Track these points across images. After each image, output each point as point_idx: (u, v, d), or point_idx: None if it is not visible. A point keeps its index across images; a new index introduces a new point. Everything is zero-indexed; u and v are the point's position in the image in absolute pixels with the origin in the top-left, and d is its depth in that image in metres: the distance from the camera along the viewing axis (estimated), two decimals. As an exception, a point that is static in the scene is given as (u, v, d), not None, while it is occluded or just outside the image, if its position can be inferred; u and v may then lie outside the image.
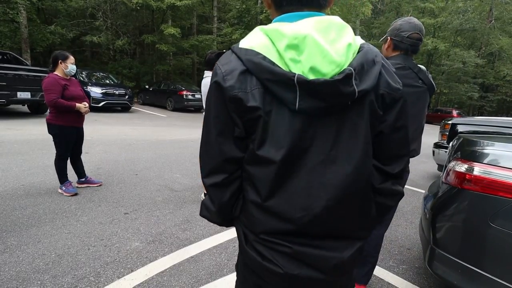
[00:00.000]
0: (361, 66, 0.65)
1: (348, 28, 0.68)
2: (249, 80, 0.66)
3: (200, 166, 0.79)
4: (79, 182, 3.43)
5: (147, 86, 15.07)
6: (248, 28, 16.47)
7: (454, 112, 19.34)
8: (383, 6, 27.25)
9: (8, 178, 3.49)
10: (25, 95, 7.47)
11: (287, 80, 0.62)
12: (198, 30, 20.44)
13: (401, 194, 0.83)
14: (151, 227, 2.66)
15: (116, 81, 12.34)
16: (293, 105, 0.64)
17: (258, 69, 0.64)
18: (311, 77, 0.62)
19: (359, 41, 0.71)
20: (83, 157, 3.48)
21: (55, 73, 3.07)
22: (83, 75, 11.11)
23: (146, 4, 14.34)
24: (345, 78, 0.62)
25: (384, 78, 0.71)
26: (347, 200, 0.71)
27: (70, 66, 3.08)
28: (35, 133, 6.05)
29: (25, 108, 8.99)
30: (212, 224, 2.75)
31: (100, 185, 3.51)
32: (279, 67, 0.63)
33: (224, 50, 0.80)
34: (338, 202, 0.70)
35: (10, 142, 5.12)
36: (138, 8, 14.72)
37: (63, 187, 3.18)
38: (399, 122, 0.75)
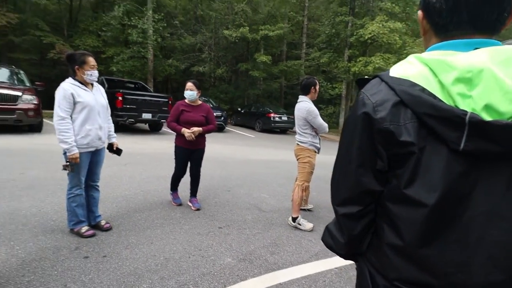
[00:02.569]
0: None
1: None
2: (402, 112, 0.61)
3: (331, 192, 0.78)
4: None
5: (239, 109, 16.42)
6: (337, 51, 16.29)
7: None
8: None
9: (132, 184, 4.23)
10: (147, 115, 9.15)
11: (453, 117, 0.55)
12: (287, 56, 21.37)
13: None
14: (242, 244, 2.75)
15: (214, 104, 13.91)
16: (456, 145, 0.56)
17: (416, 102, 0.59)
18: (484, 115, 0.55)
19: None
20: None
21: (185, 100, 3.42)
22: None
23: (244, 37, 15.94)
24: None
25: None
26: None
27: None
28: (153, 148, 7.27)
29: (145, 126, 10.95)
30: (300, 252, 2.70)
31: (197, 210, 3.47)
32: (442, 101, 0.57)
33: (367, 77, 0.77)
34: (501, 265, 0.58)
35: (135, 154, 6.26)
36: (237, 41, 16.49)
37: (171, 195, 3.66)
38: None
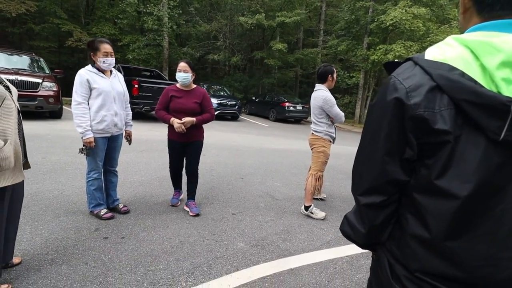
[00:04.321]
0: None
1: None
2: (438, 98, 0.57)
3: (353, 181, 0.75)
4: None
5: (253, 98, 16.34)
6: (356, 38, 15.76)
7: None
8: None
9: (148, 170, 4.35)
10: (163, 104, 9.25)
11: (497, 105, 0.52)
12: (304, 43, 20.92)
13: None
14: (254, 231, 2.79)
15: (228, 93, 13.91)
16: (496, 135, 0.53)
17: (455, 87, 0.55)
18: None
19: None
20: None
21: (177, 84, 2.90)
22: (204, 88, 13.04)
23: (259, 24, 15.68)
24: None
25: None
26: None
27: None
28: (167, 135, 7.36)
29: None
30: (311, 239, 2.71)
31: (194, 215, 2.95)
32: (483, 87, 0.54)
33: (397, 60, 0.73)
34: None
35: (151, 141, 6.39)
36: (252, 28, 16.25)
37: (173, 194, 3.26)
38: None
